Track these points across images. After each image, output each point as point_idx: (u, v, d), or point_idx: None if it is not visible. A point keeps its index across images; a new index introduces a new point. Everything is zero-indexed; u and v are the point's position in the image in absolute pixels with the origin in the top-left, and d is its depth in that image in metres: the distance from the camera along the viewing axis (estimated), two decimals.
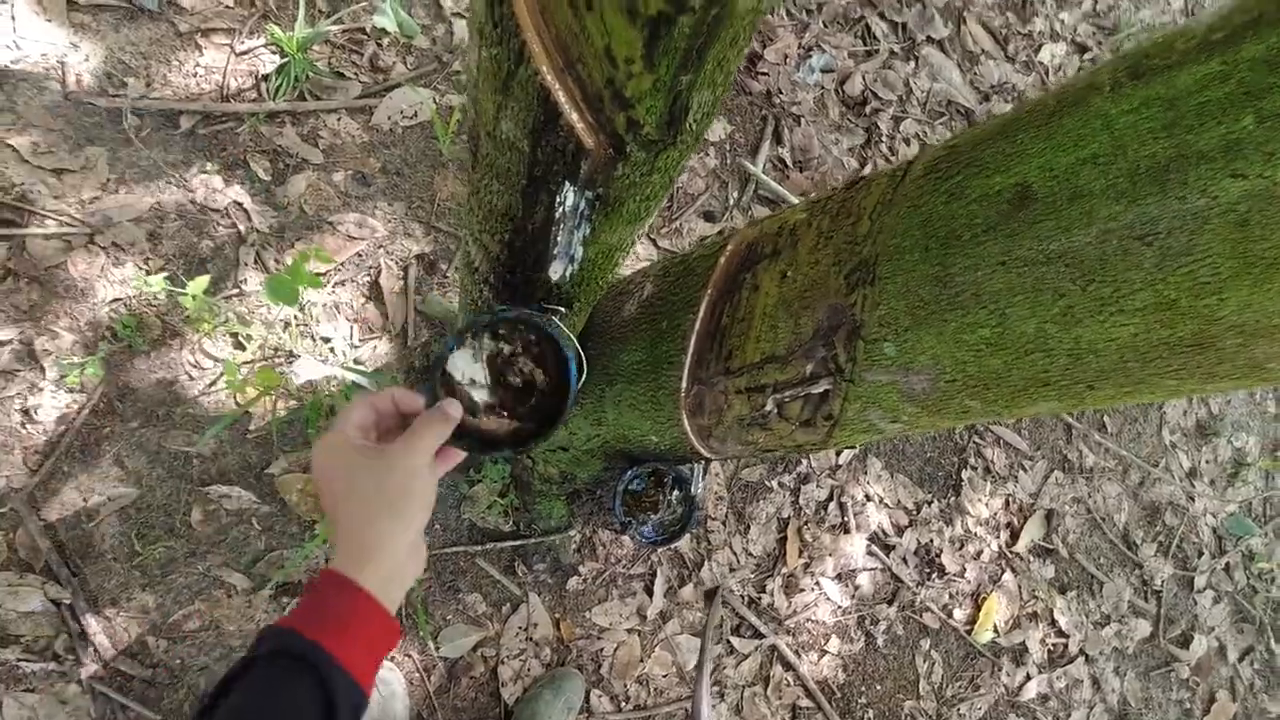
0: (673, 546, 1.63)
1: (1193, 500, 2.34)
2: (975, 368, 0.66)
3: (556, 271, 0.59)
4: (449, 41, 1.77)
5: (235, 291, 1.48)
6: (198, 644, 1.32)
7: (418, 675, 1.48)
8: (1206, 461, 2.42)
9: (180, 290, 1.33)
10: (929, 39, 2.36)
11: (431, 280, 1.66)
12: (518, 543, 1.59)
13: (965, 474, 2.09)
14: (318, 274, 1.33)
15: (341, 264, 1.59)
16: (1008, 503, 2.12)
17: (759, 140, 2.06)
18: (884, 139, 2.19)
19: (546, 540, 1.60)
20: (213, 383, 1.40)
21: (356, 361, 1.54)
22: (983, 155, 0.61)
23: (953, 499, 2.06)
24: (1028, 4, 2.57)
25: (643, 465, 1.33)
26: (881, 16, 2.32)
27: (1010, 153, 0.59)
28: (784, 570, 1.82)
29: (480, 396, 0.79)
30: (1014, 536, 2.10)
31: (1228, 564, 2.33)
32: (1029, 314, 0.59)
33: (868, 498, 1.96)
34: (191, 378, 1.40)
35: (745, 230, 1.00)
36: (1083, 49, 2.60)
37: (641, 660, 1.63)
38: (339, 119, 1.64)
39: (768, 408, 0.94)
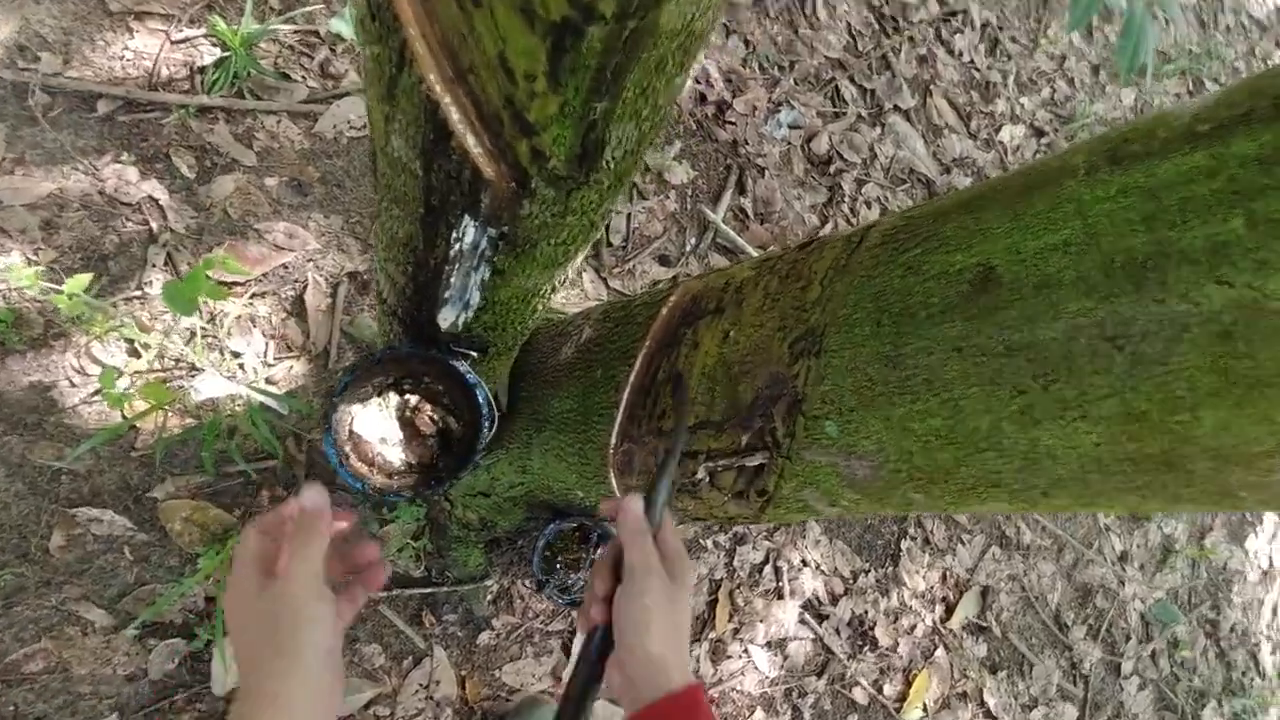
0: None
1: (1123, 584, 2.35)
2: (923, 459, 0.59)
3: (447, 318, 0.51)
4: None
5: (137, 294, 1.34)
6: (37, 689, 1.15)
7: None
8: (1138, 546, 2.43)
9: (56, 288, 1.20)
10: (896, 108, 2.40)
11: (363, 301, 1.55)
12: (428, 590, 1.46)
13: (905, 544, 2.04)
14: (226, 284, 1.21)
15: (264, 275, 1.47)
16: (945, 576, 2.08)
17: (721, 188, 2.03)
18: (846, 199, 2.19)
19: (459, 590, 1.48)
20: (96, 392, 1.26)
21: (268, 381, 1.41)
22: (944, 230, 0.56)
23: (890, 569, 2.01)
24: (991, 85, 2.65)
25: (567, 519, 1.23)
26: (851, 80, 2.34)
27: (974, 230, 0.53)
28: (712, 635, 1.73)
29: (394, 456, 0.70)
30: (949, 612, 2.06)
31: (1154, 651, 2.34)
32: (984, 408, 0.53)
33: (804, 563, 1.90)
34: (73, 384, 1.26)
35: (691, 282, 0.93)
36: (1040, 133, 2.68)
37: None
38: (279, 122, 1.54)
39: (699, 475, 0.87)
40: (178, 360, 1.36)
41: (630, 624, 0.58)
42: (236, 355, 1.41)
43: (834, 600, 1.92)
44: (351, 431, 0.67)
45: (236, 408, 1.37)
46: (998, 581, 2.15)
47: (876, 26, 2.45)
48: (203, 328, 1.38)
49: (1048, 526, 2.28)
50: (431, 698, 1.44)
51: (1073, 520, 2.34)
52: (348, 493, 1.41)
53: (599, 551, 1.26)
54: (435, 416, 0.70)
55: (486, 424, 0.69)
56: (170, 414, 1.31)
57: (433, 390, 0.69)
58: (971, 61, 2.63)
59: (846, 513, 0.77)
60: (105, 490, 1.26)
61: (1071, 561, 2.31)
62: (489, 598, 1.52)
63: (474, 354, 0.68)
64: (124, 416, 1.28)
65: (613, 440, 0.97)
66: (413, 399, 0.68)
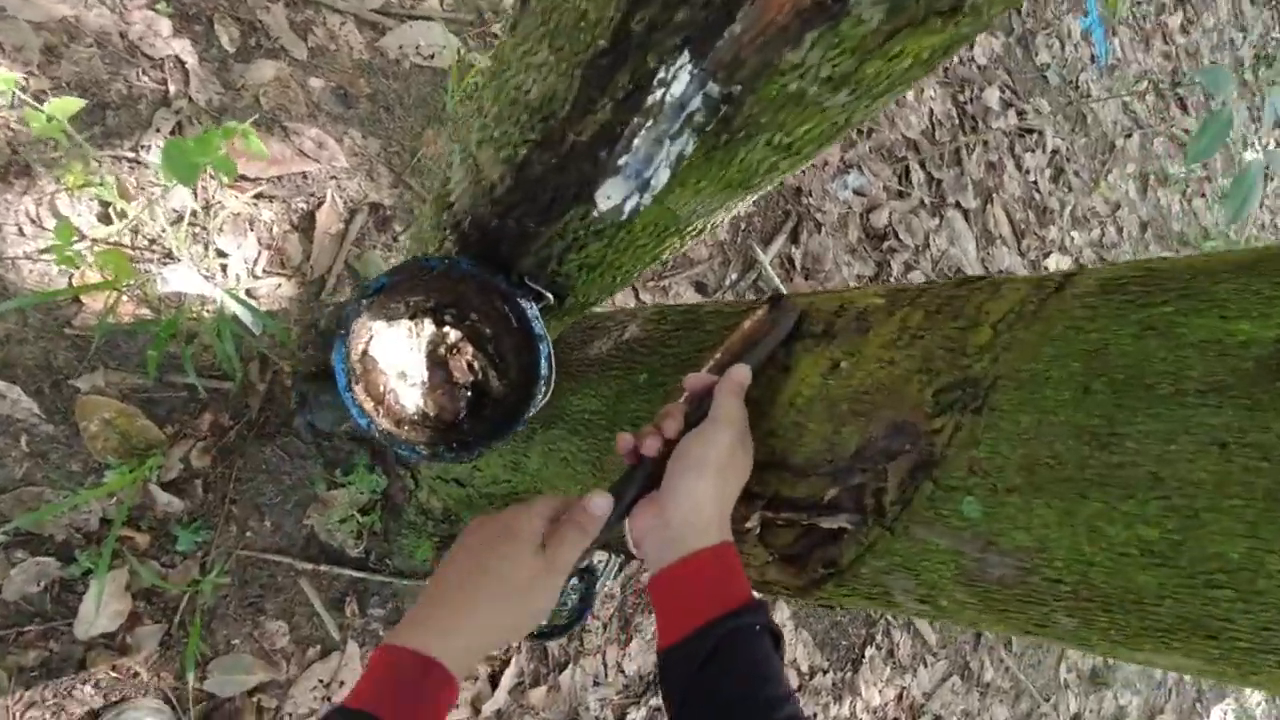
0: (545, 643, 1.34)
1: None
2: (1108, 576, 0.45)
3: (612, 197, 0.36)
4: (498, 1, 1.57)
5: (130, 155, 1.16)
6: None
7: (166, 708, 1.11)
8: (1091, 710, 2.32)
9: (34, 105, 1.01)
10: (958, 204, 2.34)
11: (379, 238, 1.39)
12: (361, 575, 1.26)
13: (869, 651, 1.89)
14: (236, 162, 1.04)
15: (278, 178, 1.30)
16: (901, 696, 1.93)
17: (775, 232, 1.92)
18: (892, 279, 2.10)
19: (397, 583, 1.28)
20: (47, 249, 1.07)
21: (249, 293, 1.23)
22: (1215, 290, 0.43)
23: (849, 675, 1.85)
24: (1048, 210, 2.62)
25: None
26: (922, 165, 2.29)
27: (1270, 295, 0.41)
28: (653, 702, 1.54)
29: (409, 398, 0.54)
30: None
31: None
32: (1243, 531, 0.39)
33: None
34: (22, 232, 1.07)
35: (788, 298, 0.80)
36: (1082, 270, 2.65)
37: None
38: (343, 24, 1.39)
39: (749, 524, 0.71)
40: (153, 241, 1.18)
41: (693, 465, 0.57)
42: (222, 255, 1.23)
43: None
44: (365, 353, 0.51)
45: (204, 312, 1.18)
46: (950, 715, 2.01)
47: (956, 120, 2.41)
48: (194, 212, 1.20)
49: (1011, 668, 2.15)
50: (330, 699, 1.23)
51: (1037, 668, 2.22)
52: (318, 436, 1.23)
53: (571, 581, 1.09)
54: (475, 364, 0.55)
55: (542, 389, 0.54)
56: (125, 297, 1.12)
57: (478, 331, 0.54)
58: (1035, 182, 2.60)
59: (934, 616, 0.62)
60: (20, 363, 1.06)
61: (1025, 711, 2.18)
62: None
63: (550, 298, 0.53)
64: (70, 284, 1.08)
65: (736, 332, 0.81)
66: (452, 335, 0.53)
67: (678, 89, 0.29)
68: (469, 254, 0.52)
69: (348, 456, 1.26)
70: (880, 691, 1.90)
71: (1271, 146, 3.33)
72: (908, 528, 0.56)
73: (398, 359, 0.52)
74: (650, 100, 0.30)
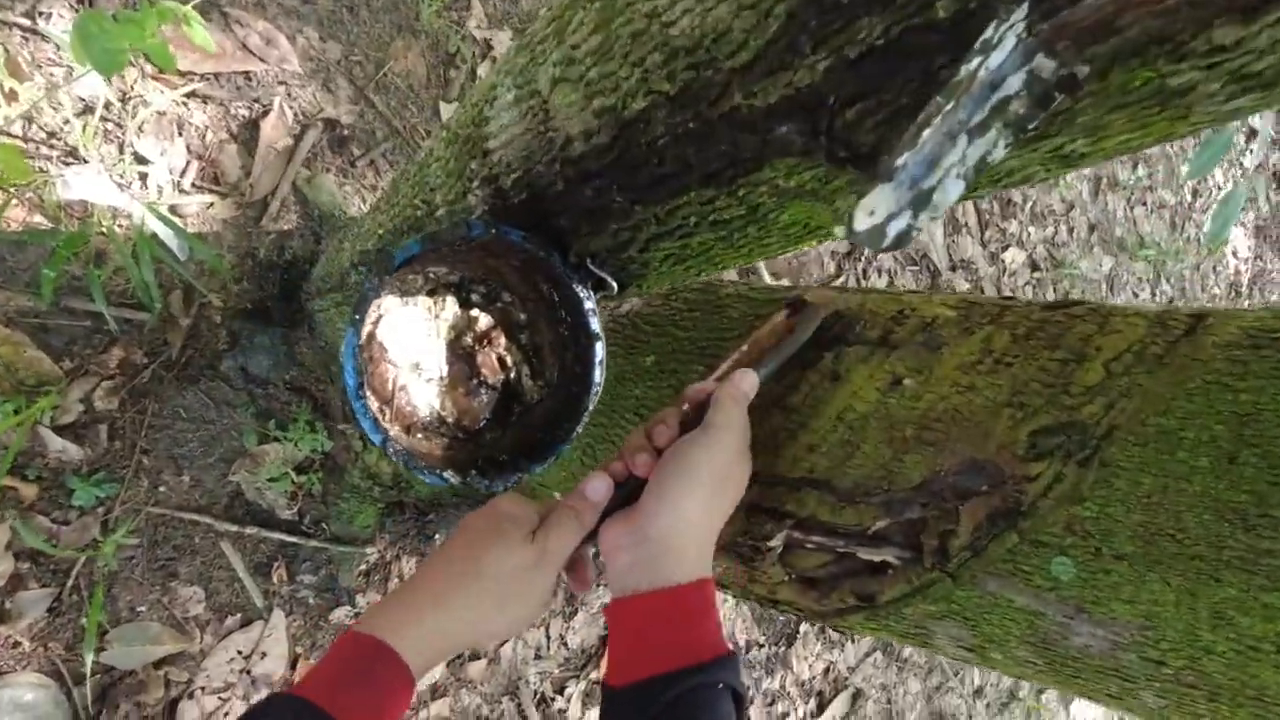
0: None
1: (970, 719, 2.36)
2: (1225, 666, 0.41)
3: (876, 214, 0.25)
4: None
5: (24, 22, 0.94)
6: None
7: (52, 683, 0.97)
8: (992, 685, 2.46)
9: None
10: None
11: (332, 160, 1.21)
12: (292, 539, 1.14)
13: (804, 628, 1.92)
14: (174, 56, 0.85)
15: (216, 75, 1.10)
16: (828, 670, 1.98)
17: None
18: (862, 258, 2.06)
19: (331, 549, 1.16)
20: None
21: (172, 210, 1.05)
22: None
23: (784, 649, 1.87)
24: (1011, 203, 2.65)
25: None
26: None
27: None
28: (594, 675, 1.50)
29: (423, 397, 0.42)
30: (820, 708, 1.95)
31: None
32: None
33: None
34: None
35: (826, 291, 0.72)
36: (1035, 266, 2.71)
37: None
38: None
39: (771, 543, 0.65)
40: (52, 135, 0.97)
41: (683, 472, 0.49)
42: (141, 161, 1.04)
43: None
44: (372, 338, 0.39)
45: (116, 228, 0.99)
46: (870, 688, 2.08)
47: None
48: (107, 105, 0.99)
49: None
50: (249, 672, 1.12)
51: None
52: (250, 382, 1.07)
53: None
54: (509, 359, 0.44)
55: (594, 397, 0.44)
56: (16, 200, 0.92)
57: (510, 316, 0.43)
58: None
59: (976, 663, 0.58)
60: None
61: (936, 685, 2.29)
62: (363, 568, 1.22)
63: (613, 286, 0.43)
64: None
65: (753, 335, 0.73)
66: (482, 320, 0.42)
67: (996, 59, 0.19)
68: (510, 220, 0.40)
69: (285, 408, 1.11)
70: (810, 665, 1.94)
71: (1250, 170, 3.47)
72: (976, 577, 0.51)
73: (412, 346, 0.41)
74: (966, 70, 0.20)
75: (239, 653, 1.11)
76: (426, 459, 0.43)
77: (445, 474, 0.44)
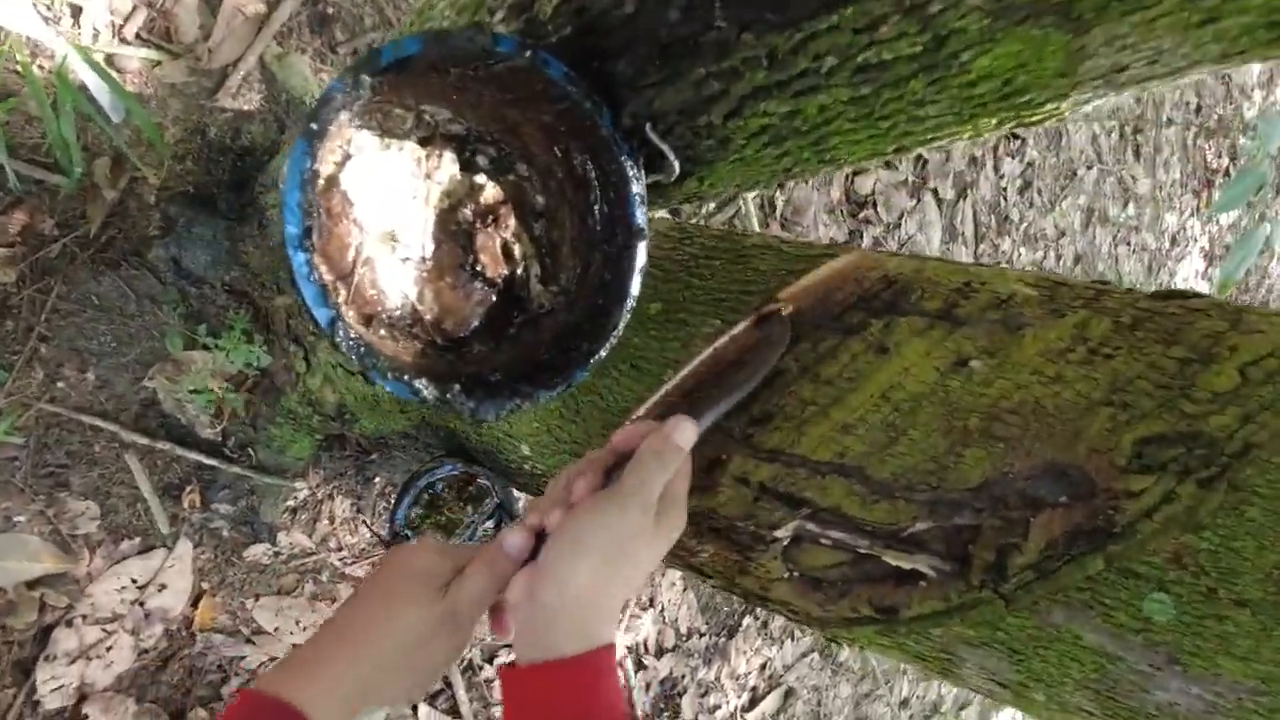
0: None
1: None
2: None
3: None
4: None
5: None
6: None
7: None
8: (918, 696, 2.47)
9: None
10: (935, 191, 2.26)
11: (310, 41, 1.06)
12: (211, 461, 1.00)
13: (747, 620, 1.86)
14: None
15: None
16: (764, 666, 1.94)
17: None
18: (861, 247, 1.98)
19: (255, 479, 1.03)
20: None
21: (109, 62, 0.89)
22: None
23: (724, 641, 1.81)
24: (1008, 220, 2.61)
25: (470, 467, 0.86)
26: None
27: None
28: None
29: (397, 282, 0.31)
30: (753, 703, 1.91)
31: None
32: None
33: (651, 602, 1.64)
34: None
35: (875, 255, 0.62)
36: None
37: None
38: None
39: (779, 532, 0.55)
40: None
41: (572, 547, 0.46)
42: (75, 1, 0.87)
43: (659, 653, 1.68)
44: (333, 183, 0.28)
45: (36, 68, 0.83)
46: (803, 688, 2.05)
47: None
48: None
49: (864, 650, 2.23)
50: (142, 604, 0.98)
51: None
52: (182, 278, 0.92)
53: (487, 524, 0.90)
54: (517, 251, 0.33)
55: (626, 314, 0.33)
56: None
57: (527, 198, 0.32)
58: (1005, 189, 2.57)
59: (1008, 702, 0.49)
60: None
61: (866, 691, 2.27)
62: (289, 504, 1.09)
63: (674, 167, 0.32)
64: None
65: (642, 409, 0.63)
66: (488, 190, 0.31)
67: None
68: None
69: (220, 313, 0.97)
70: (747, 660, 1.89)
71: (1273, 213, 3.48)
72: (1038, 603, 0.42)
73: (388, 208, 0.29)
74: None
75: (133, 581, 0.98)
76: (392, 362, 0.32)
77: (417, 384, 0.33)
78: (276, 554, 1.09)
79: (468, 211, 0.34)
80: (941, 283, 0.55)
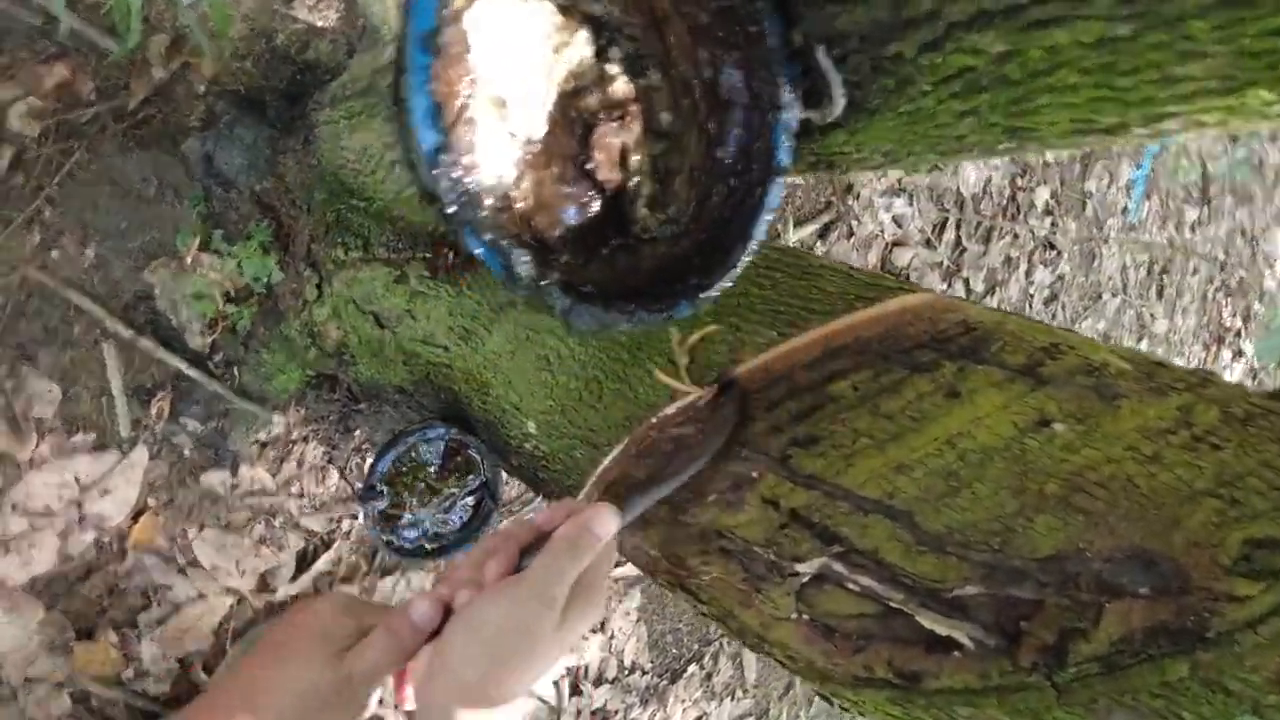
0: (414, 563, 1.08)
1: None
2: None
3: None
4: None
5: None
6: None
7: None
8: None
9: None
10: (967, 282, 2.26)
11: None
12: (192, 372, 0.94)
13: (692, 668, 1.79)
14: None
15: None
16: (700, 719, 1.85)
17: (810, 218, 1.73)
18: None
19: (234, 401, 0.97)
20: None
21: None
22: None
23: (665, 684, 1.74)
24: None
25: (464, 435, 0.80)
26: (958, 226, 2.16)
27: None
28: None
29: (494, 155, 0.26)
30: None
31: None
32: None
33: (603, 627, 1.57)
34: None
35: (948, 299, 0.58)
36: None
37: (203, 636, 1.02)
38: None
39: (801, 567, 0.50)
40: None
41: (466, 634, 0.45)
42: None
43: (599, 682, 1.60)
44: (458, 20, 0.24)
45: None
46: None
47: (1005, 200, 2.31)
48: None
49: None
50: (79, 505, 0.91)
51: None
52: (212, 177, 0.88)
53: (467, 499, 0.84)
54: (635, 158, 0.29)
55: (747, 255, 0.29)
56: None
57: (654, 111, 0.28)
58: (1032, 297, 2.57)
59: None
60: None
61: None
62: (260, 436, 1.02)
63: (838, 104, 0.28)
64: None
65: (662, 415, 0.59)
66: (619, 85, 0.26)
67: None
68: None
69: (241, 222, 0.92)
70: (684, 710, 1.80)
71: None
72: (1096, 701, 0.37)
73: (508, 67, 0.25)
74: None
75: (76, 479, 0.91)
76: (493, 220, 0.28)
77: (516, 255, 0.28)
78: (234, 486, 1.02)
79: (593, 100, 0.30)
80: (1025, 338, 0.51)
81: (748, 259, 0.33)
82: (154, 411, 0.94)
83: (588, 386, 0.66)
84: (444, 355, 0.80)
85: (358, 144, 0.76)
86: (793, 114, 0.29)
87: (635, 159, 0.32)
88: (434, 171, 0.26)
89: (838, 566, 0.49)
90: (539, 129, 0.29)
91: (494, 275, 0.29)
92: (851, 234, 1.80)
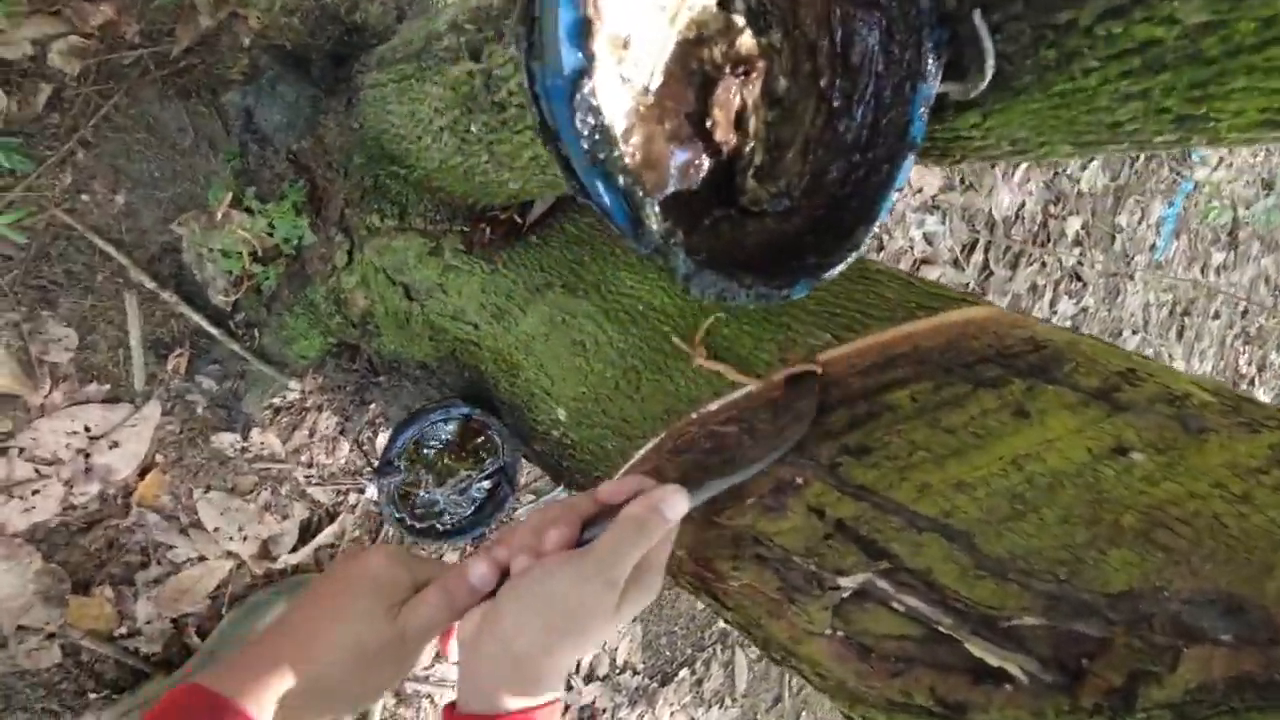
0: (432, 541, 1.06)
1: None
2: None
3: None
4: None
5: None
6: None
7: None
8: None
9: None
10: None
11: None
12: (212, 329, 0.92)
13: (684, 672, 1.77)
14: None
15: None
16: None
17: None
18: None
19: (252, 363, 0.95)
20: None
21: None
22: None
23: (655, 686, 1.71)
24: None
25: (487, 417, 0.78)
26: (987, 249, 2.14)
27: None
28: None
29: (610, 100, 0.24)
30: None
31: None
32: None
33: None
34: None
35: (1014, 315, 0.56)
36: None
37: (200, 599, 1.00)
38: None
39: (844, 580, 0.48)
40: None
41: (525, 602, 0.44)
42: None
43: (589, 678, 1.58)
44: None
45: None
46: None
47: (1036, 226, 2.28)
48: None
49: None
50: (87, 456, 0.89)
51: None
52: (250, 133, 0.86)
53: (484, 482, 0.82)
54: (753, 121, 0.26)
55: (868, 234, 0.26)
56: None
57: (773, 67, 0.25)
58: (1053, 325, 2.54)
59: None
60: None
61: None
62: (275, 401, 1.00)
63: (981, 77, 0.25)
64: None
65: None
66: (744, 40, 0.24)
67: None
68: None
69: (275, 181, 0.90)
70: (672, 714, 1.78)
71: None
72: None
73: (629, 8, 0.23)
74: None
75: (86, 429, 0.89)
76: (628, 163, 0.25)
77: (649, 203, 0.25)
78: (244, 449, 1.00)
79: (716, 52, 0.27)
80: (1100, 361, 0.49)
81: (870, 239, 0.30)
82: (170, 367, 0.92)
83: (625, 376, 0.64)
84: (473, 333, 0.78)
85: (406, 109, 0.74)
86: (933, 85, 0.26)
87: (753, 122, 0.29)
88: (575, 97, 0.23)
89: (883, 584, 0.46)
90: (657, 78, 0.27)
91: (615, 226, 0.27)
92: (882, 247, 1.77)
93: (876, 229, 0.31)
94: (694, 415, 0.57)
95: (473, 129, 0.62)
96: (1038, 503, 0.42)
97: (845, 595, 0.48)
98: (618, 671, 1.63)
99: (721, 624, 1.84)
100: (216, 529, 1.01)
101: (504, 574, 0.47)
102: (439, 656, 1.25)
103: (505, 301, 0.76)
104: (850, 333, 0.56)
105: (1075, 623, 0.39)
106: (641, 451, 0.60)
